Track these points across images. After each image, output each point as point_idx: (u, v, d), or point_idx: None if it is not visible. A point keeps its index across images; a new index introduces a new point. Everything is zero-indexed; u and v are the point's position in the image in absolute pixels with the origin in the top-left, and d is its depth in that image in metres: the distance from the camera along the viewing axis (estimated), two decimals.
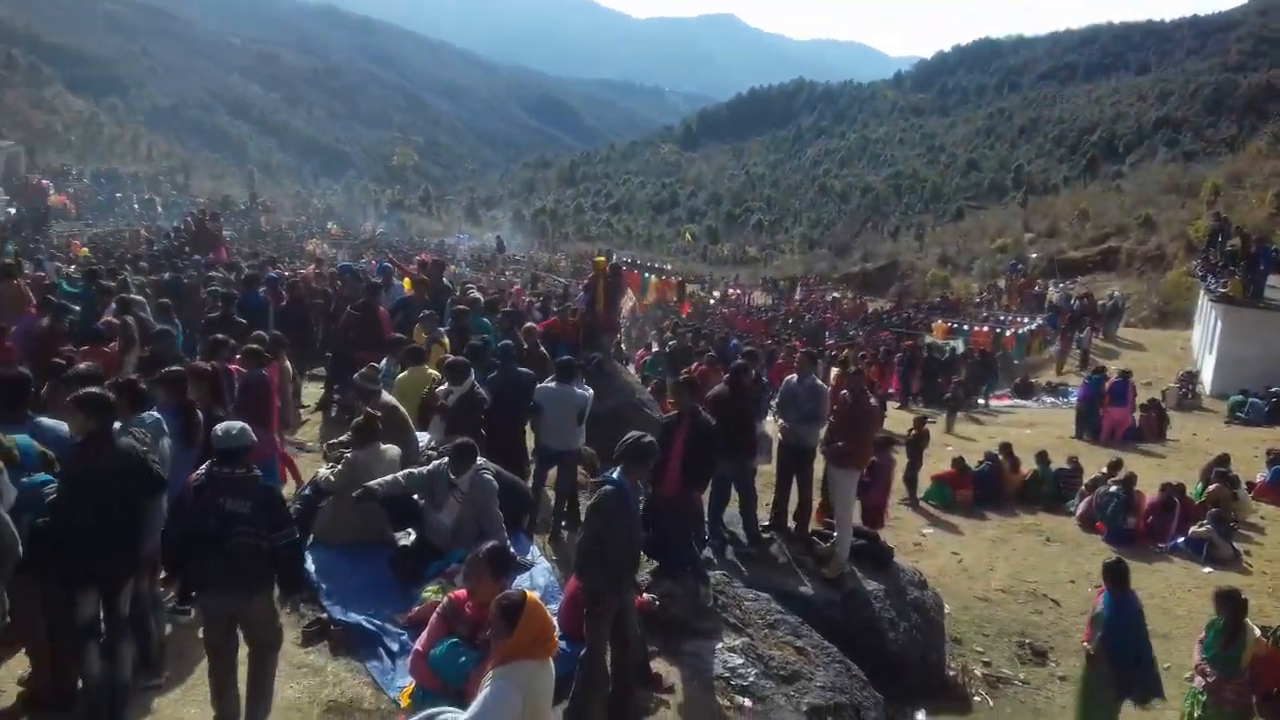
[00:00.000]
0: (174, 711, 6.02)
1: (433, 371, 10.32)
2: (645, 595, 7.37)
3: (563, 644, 4.43)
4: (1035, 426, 21.71)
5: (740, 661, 7.42)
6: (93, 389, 5.67)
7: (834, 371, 18.12)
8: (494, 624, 4.19)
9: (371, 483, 7.58)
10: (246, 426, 5.66)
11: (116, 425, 5.77)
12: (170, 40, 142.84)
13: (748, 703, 7.03)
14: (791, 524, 10.00)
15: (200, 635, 6.84)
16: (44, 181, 46.76)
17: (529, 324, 13.09)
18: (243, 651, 5.76)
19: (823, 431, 9.82)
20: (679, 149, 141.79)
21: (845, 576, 9.44)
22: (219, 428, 5.61)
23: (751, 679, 7.26)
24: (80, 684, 5.67)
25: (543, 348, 11.94)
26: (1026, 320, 35.01)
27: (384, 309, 12.66)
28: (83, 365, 7.34)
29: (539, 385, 9.60)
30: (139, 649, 5.99)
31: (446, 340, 11.45)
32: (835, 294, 48.23)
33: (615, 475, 6.29)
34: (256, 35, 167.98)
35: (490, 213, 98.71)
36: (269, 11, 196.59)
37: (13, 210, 38.39)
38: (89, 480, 5.42)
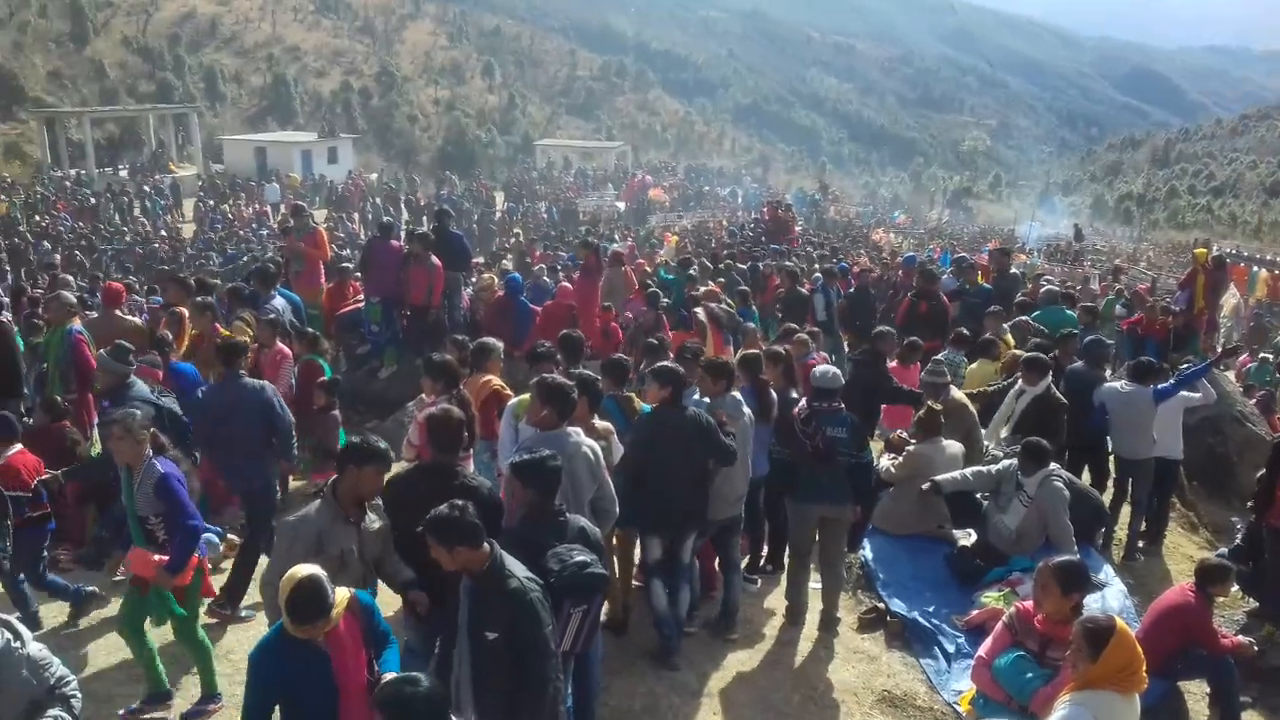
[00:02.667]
0: (739, 665, 6.50)
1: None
2: (1240, 638, 6.45)
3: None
4: None
5: None
6: (665, 364, 6.49)
7: None
8: (1075, 647, 3.93)
9: (939, 478, 7.49)
10: (838, 371, 7.08)
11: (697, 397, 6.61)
12: (756, 40, 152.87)
13: None
14: None
15: (764, 605, 7.35)
16: (646, 178, 52.63)
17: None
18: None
19: None
20: None
21: None
22: (817, 370, 7.10)
23: None
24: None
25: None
26: None
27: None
28: (688, 342, 8.16)
29: (1105, 385, 8.84)
30: (724, 605, 6.79)
31: (1010, 336, 10.93)
32: None
33: None
34: (835, 27, 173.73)
35: (1067, 198, 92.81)
36: (848, 2, 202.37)
37: (621, 205, 43.72)
38: (662, 442, 6.10)
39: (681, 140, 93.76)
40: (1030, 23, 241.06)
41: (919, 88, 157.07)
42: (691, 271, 13.96)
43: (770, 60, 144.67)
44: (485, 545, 4.04)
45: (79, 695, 3.93)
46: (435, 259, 11.67)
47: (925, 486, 7.50)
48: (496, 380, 7.33)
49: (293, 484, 9.37)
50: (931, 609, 7.09)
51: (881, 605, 7.28)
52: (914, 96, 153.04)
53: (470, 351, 7.63)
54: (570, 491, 5.22)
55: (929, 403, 8.32)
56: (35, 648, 3.83)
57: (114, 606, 6.77)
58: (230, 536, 7.99)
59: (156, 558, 5.58)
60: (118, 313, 9.75)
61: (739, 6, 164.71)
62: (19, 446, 7.03)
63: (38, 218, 31.13)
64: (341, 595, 4.04)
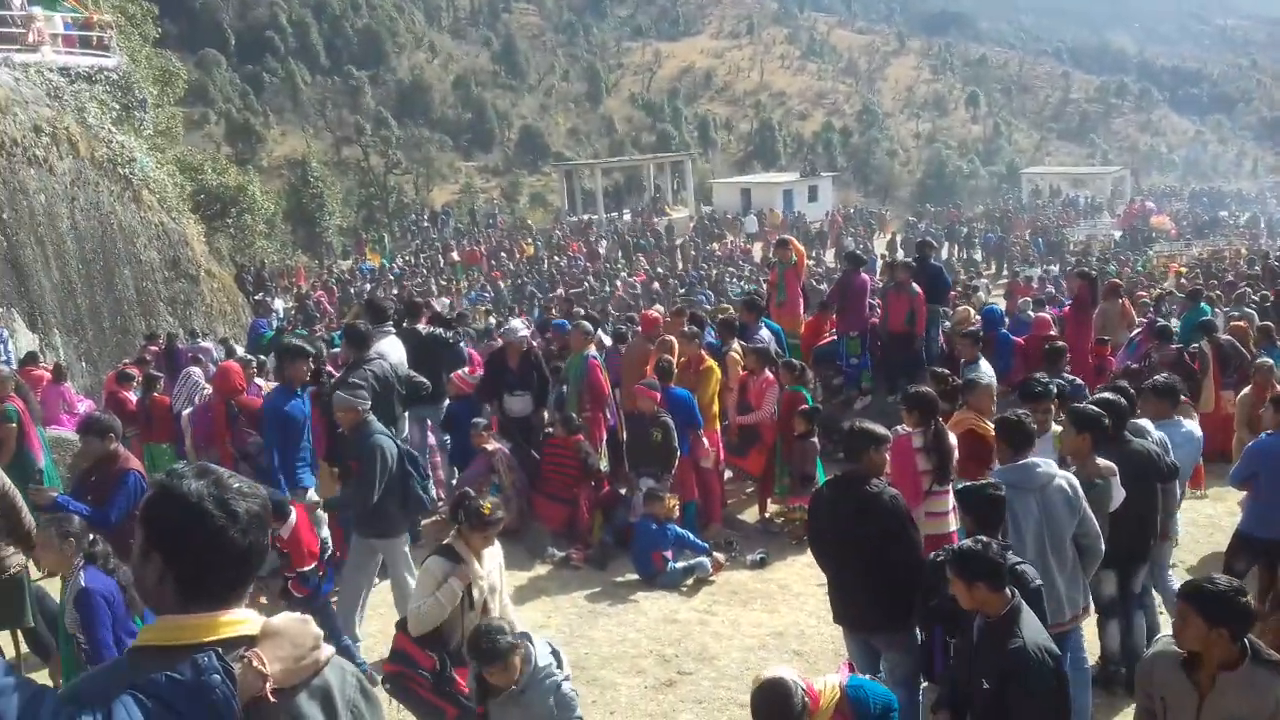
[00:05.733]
0: None
1: None
2: None
3: None
4: None
5: None
6: (1080, 406, 6.07)
7: None
8: None
9: None
10: None
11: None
12: None
13: None
14: None
15: None
16: (1147, 203, 48.24)
17: None
18: None
19: None
20: None
21: None
22: None
23: None
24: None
25: None
26: None
27: None
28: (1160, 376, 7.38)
29: None
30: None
31: None
32: None
33: None
34: None
35: None
36: None
37: (1117, 233, 40.46)
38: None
39: (1191, 162, 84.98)
40: None
41: None
42: (1203, 304, 12.60)
43: None
44: (1007, 592, 3.99)
45: None
46: (916, 286, 11.57)
47: None
48: (975, 417, 7.09)
49: (771, 507, 9.77)
50: None
51: None
52: None
53: (960, 385, 7.60)
54: (1045, 524, 5.09)
55: None
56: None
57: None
58: (717, 555, 8.49)
59: None
60: (649, 343, 10.22)
61: (1265, 13, 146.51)
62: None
63: (556, 257, 35.34)
64: (829, 692, 4.01)
